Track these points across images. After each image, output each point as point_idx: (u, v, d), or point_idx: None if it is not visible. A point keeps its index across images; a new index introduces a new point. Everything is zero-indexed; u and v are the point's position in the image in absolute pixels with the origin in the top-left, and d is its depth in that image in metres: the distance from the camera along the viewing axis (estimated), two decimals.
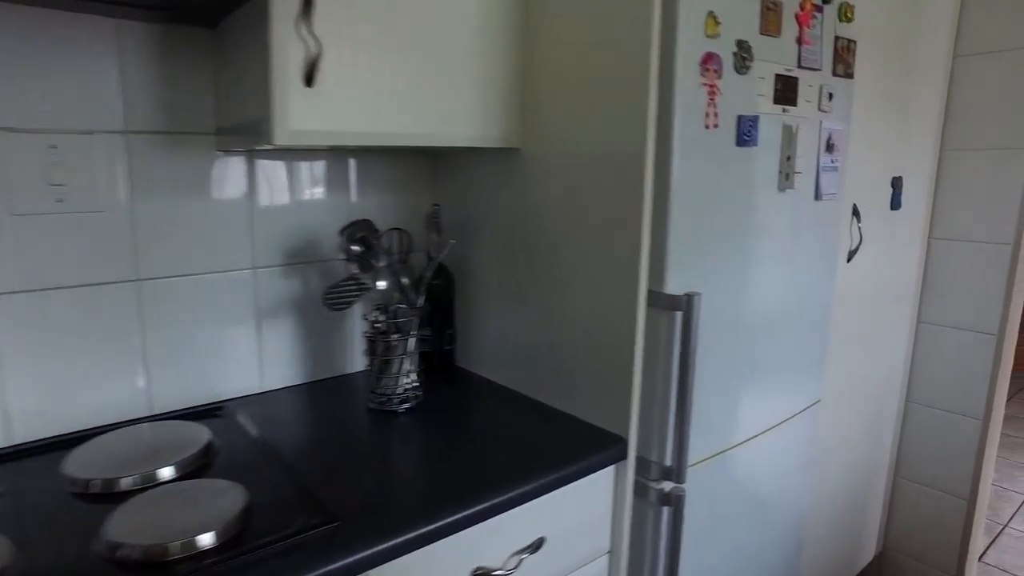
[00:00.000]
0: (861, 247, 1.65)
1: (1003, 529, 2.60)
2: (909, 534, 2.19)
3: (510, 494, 1.02)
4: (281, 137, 1.04)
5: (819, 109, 1.36)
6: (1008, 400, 3.92)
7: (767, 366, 1.38)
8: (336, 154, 1.46)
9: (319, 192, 1.46)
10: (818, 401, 1.62)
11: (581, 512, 1.17)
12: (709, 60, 1.12)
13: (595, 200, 1.20)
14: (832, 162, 1.42)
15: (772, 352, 1.38)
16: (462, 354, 1.58)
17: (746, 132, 1.19)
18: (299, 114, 1.04)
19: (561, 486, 1.10)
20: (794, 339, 1.44)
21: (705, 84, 1.12)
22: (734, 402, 1.33)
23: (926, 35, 1.82)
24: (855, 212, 1.59)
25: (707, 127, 1.13)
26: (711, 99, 1.13)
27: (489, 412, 1.32)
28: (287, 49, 1.01)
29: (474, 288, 1.53)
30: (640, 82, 1.08)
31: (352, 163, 1.49)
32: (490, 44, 1.25)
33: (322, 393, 1.43)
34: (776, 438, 1.46)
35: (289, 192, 1.41)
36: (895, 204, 1.77)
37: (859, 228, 1.60)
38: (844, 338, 1.71)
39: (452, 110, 1.22)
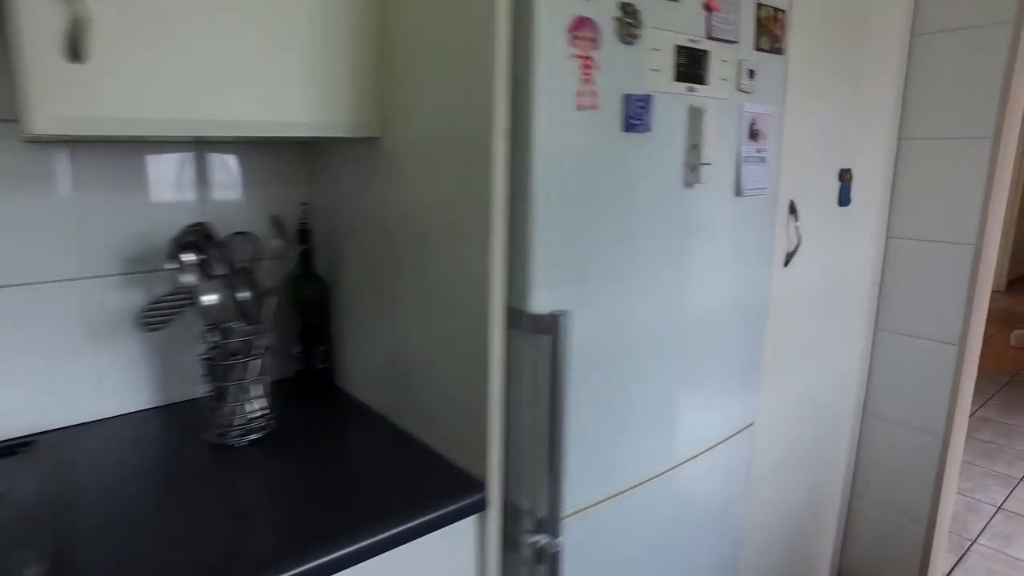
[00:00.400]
0: (801, 249, 1.43)
1: (971, 546, 2.40)
2: (866, 560, 1.99)
3: (340, 552, 0.81)
4: (39, 124, 0.82)
5: (738, 89, 1.14)
6: (985, 403, 3.72)
7: (677, 391, 1.16)
8: (188, 144, 1.25)
9: (167, 189, 1.25)
10: (751, 424, 1.41)
11: (438, 571, 0.96)
12: (581, 26, 0.90)
13: (448, 198, 0.98)
14: (758, 152, 1.21)
15: (684, 375, 1.17)
16: (341, 373, 1.37)
17: (635, 115, 0.97)
18: (64, 97, 0.83)
19: (409, 540, 0.89)
20: (715, 357, 1.23)
21: (577, 55, 0.90)
22: (633, 437, 1.11)
23: (879, 9, 1.60)
24: (792, 210, 1.37)
25: (581, 108, 0.91)
26: (586, 74, 0.91)
27: (347, 445, 1.11)
28: (37, 12, 0.79)
29: (348, 299, 1.31)
30: (486, 51, 0.86)
31: (209, 155, 1.28)
32: (331, 8, 1.03)
33: (166, 421, 1.21)
34: (694, 471, 1.25)
35: (128, 189, 1.20)
36: (844, 200, 1.56)
37: (796, 228, 1.38)
38: (788, 350, 1.50)
39: (279, 90, 0.99)
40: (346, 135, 1.09)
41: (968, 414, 1.80)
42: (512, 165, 0.90)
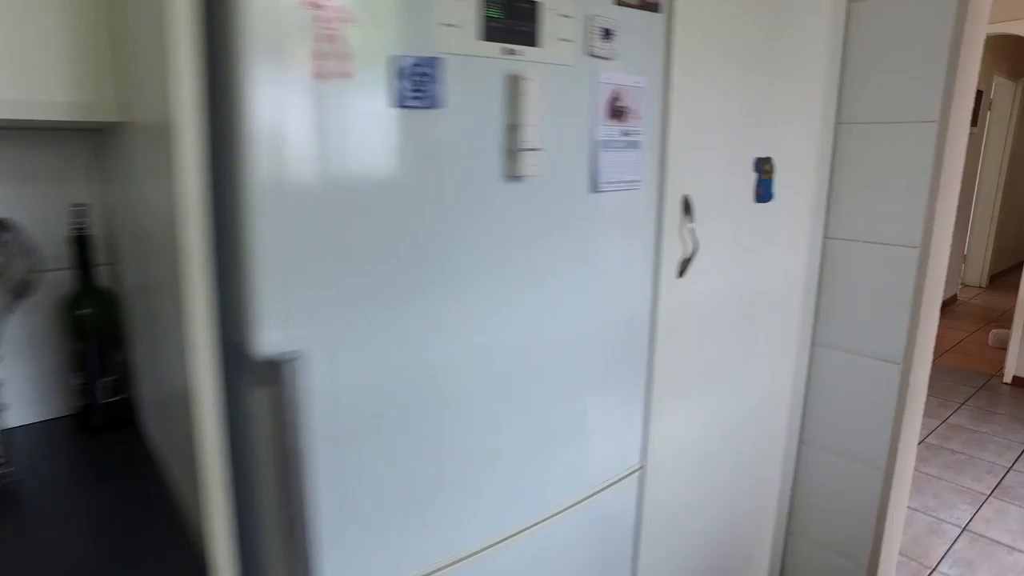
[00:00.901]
0: (703, 254, 1.16)
1: (930, 574, 2.15)
2: None
3: None
4: None
5: (590, 54, 0.87)
6: (958, 408, 3.46)
7: (519, 441, 0.89)
8: None
9: None
10: (638, 468, 1.15)
11: None
12: None
13: (157, 200, 0.72)
14: (625, 135, 0.94)
15: (528, 420, 0.90)
16: (139, 408, 1.11)
17: (414, 86, 0.71)
18: None
19: None
20: (573, 394, 0.96)
21: (311, 3, 0.64)
22: (450, 503, 0.84)
23: None
24: (687, 208, 1.10)
25: (322, 76, 0.65)
26: (328, 29, 0.65)
27: (87, 509, 0.85)
28: None
29: (131, 319, 1.05)
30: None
31: None
32: None
33: None
34: (552, 535, 0.99)
35: None
36: (764, 195, 1.29)
37: (691, 230, 1.11)
38: (694, 373, 1.23)
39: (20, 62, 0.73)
40: (71, 118, 0.82)
41: (916, 443, 1.54)
42: (217, 157, 0.64)
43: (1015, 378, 3.73)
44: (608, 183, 0.92)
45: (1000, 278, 6.45)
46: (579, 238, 0.92)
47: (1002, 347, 4.28)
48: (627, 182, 0.95)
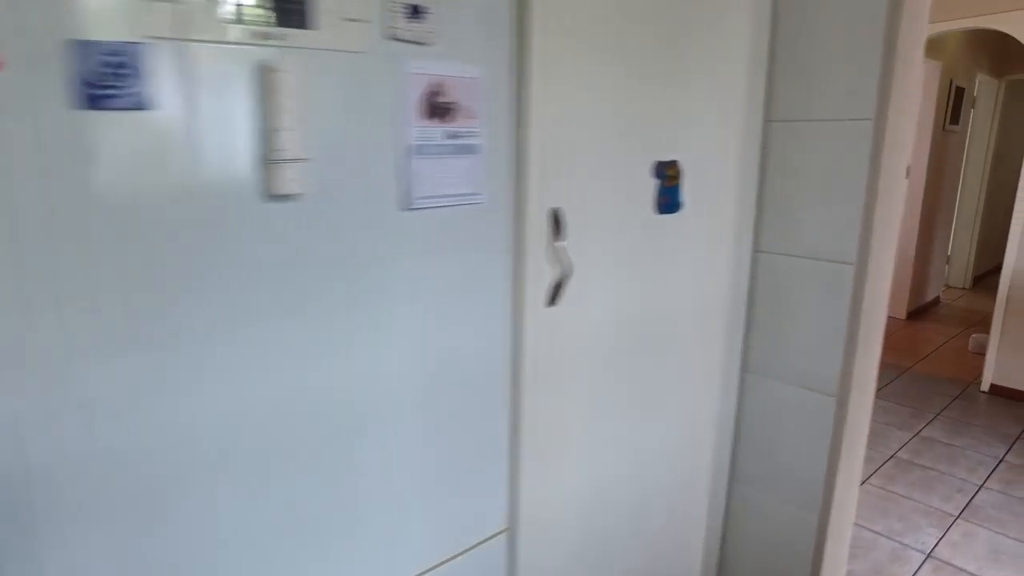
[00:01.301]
0: (584, 276, 0.97)
1: None
2: None
3: None
4: None
5: (393, 38, 0.68)
6: (931, 420, 3.27)
7: (314, 519, 0.71)
8: None
9: None
10: (504, 530, 0.96)
11: None
12: None
13: None
14: (454, 138, 0.75)
15: (329, 491, 0.70)
16: None
17: (99, 79, 0.52)
18: None
19: None
20: (398, 456, 0.77)
21: None
22: None
23: None
24: (556, 223, 0.91)
25: None
26: None
27: None
28: None
29: None
30: None
31: None
32: None
33: None
34: None
35: None
36: (669, 204, 1.09)
37: (562, 248, 0.92)
38: (581, 413, 1.05)
39: None
40: None
41: (858, 482, 1.35)
42: None
43: (993, 386, 3.54)
44: (428, 198, 0.73)
45: (985, 279, 6.25)
46: (387, 267, 0.72)
47: (981, 352, 4.09)
48: (460, 195, 0.76)
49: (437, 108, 0.71)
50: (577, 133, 0.91)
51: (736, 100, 1.21)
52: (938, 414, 3.31)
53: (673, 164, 1.07)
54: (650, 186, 1.05)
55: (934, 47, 4.32)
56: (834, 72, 1.17)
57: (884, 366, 3.99)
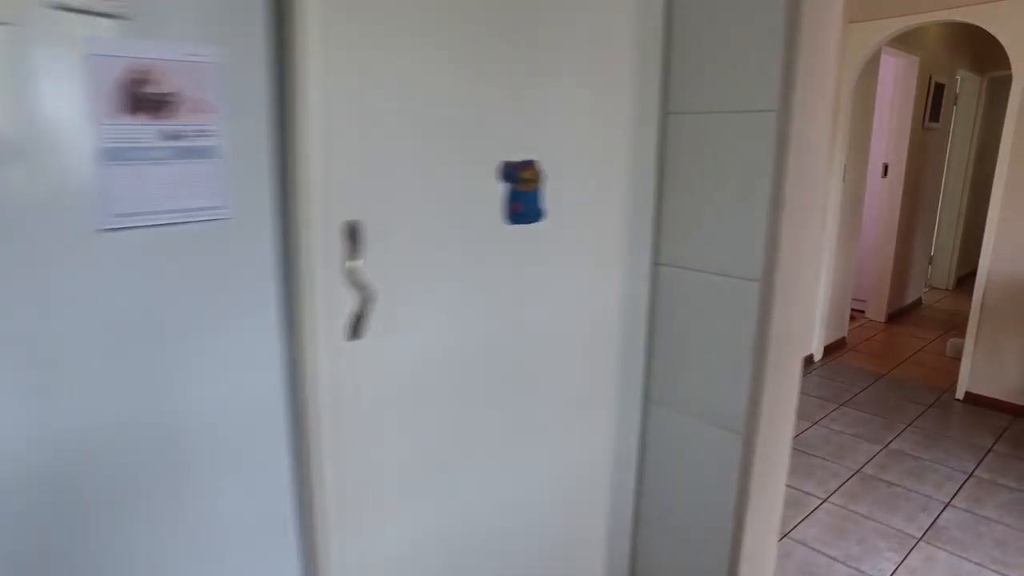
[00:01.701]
0: (405, 301, 0.79)
1: None
2: None
3: None
4: None
5: (59, 6, 0.50)
6: (903, 431, 3.09)
7: None
8: None
9: None
10: None
11: None
12: None
13: None
14: (176, 138, 0.56)
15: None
16: None
17: None
18: None
19: None
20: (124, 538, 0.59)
21: None
22: None
23: None
24: (353, 239, 0.72)
25: None
26: None
27: None
28: None
29: None
30: None
31: None
32: None
33: None
34: None
35: None
36: (525, 212, 0.91)
37: (354, 269, 0.73)
38: (418, 464, 0.87)
39: None
40: None
41: (774, 535, 1.17)
42: None
43: (968, 394, 3.36)
44: (134, 215, 0.55)
45: (968, 280, 6.06)
46: (73, 306, 0.54)
47: (959, 357, 3.90)
48: (190, 210, 0.58)
49: (144, 100, 0.54)
50: (384, 130, 0.73)
51: (622, 89, 1.02)
52: (909, 424, 3.12)
53: (529, 165, 0.89)
54: (496, 191, 0.87)
55: (911, 41, 4.13)
56: (734, 56, 0.99)
57: (860, 373, 3.81)
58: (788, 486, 2.52)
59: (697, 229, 1.06)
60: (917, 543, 2.23)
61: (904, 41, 4.01)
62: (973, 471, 2.66)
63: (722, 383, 1.06)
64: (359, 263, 0.72)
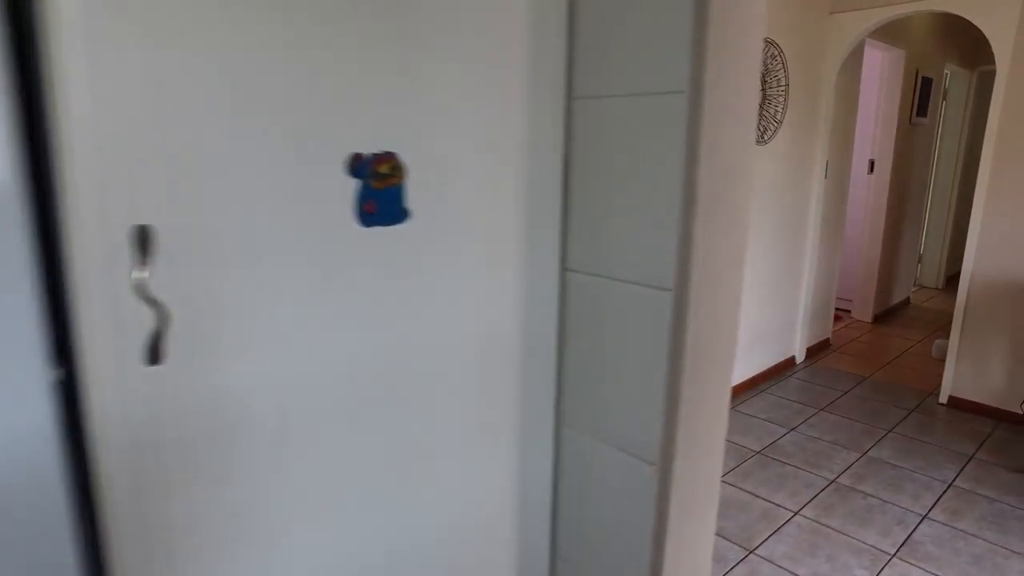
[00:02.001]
0: (223, 318, 0.65)
1: None
2: None
3: None
4: None
5: None
6: (882, 438, 2.94)
7: None
8: None
9: None
10: None
11: None
12: None
13: None
14: None
15: None
16: None
17: None
18: None
19: None
20: None
21: None
22: None
23: None
24: (143, 246, 0.58)
25: None
26: None
27: None
28: None
29: None
30: None
31: None
32: None
33: None
34: None
35: None
36: (385, 213, 0.76)
37: (141, 283, 0.59)
38: (258, 512, 0.73)
39: None
40: None
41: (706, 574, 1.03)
42: None
43: (951, 398, 3.21)
44: None
45: (958, 279, 5.92)
46: None
47: (944, 359, 3.76)
48: None
49: None
50: (189, 119, 0.59)
51: (515, 68, 0.88)
52: (890, 430, 2.98)
53: (388, 158, 0.75)
54: (346, 189, 0.73)
55: (896, 34, 3.98)
56: (640, 30, 0.84)
57: (842, 375, 3.66)
58: (759, 498, 2.38)
59: (607, 230, 0.92)
60: (890, 560, 2.09)
61: (889, 33, 3.86)
62: (953, 480, 2.52)
63: (636, 407, 0.92)
64: (145, 275, 0.58)
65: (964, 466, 2.63)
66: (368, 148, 0.74)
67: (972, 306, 3.04)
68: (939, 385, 3.36)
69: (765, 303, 3.37)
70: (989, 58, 5.03)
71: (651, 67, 0.83)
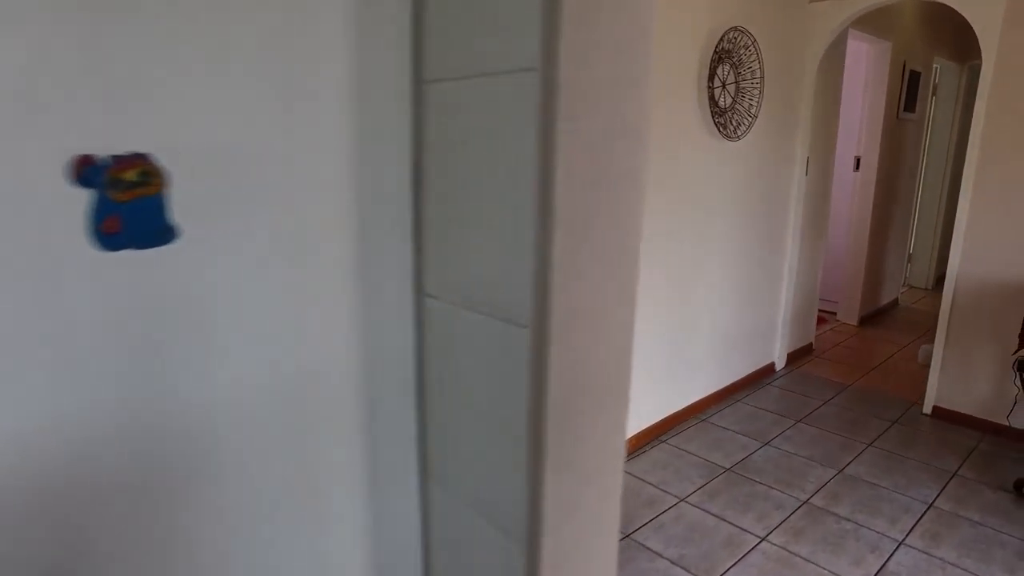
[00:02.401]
0: None
1: None
2: None
3: None
4: None
5: None
6: (861, 452, 2.75)
7: None
8: None
9: None
10: None
11: None
12: None
13: None
14: None
15: None
16: None
17: None
18: None
19: None
20: None
21: None
22: None
23: None
24: None
25: None
26: None
27: None
28: None
29: None
30: None
31: None
32: None
33: None
34: None
35: None
36: (136, 233, 0.58)
37: None
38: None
39: None
40: None
41: None
42: None
43: (935, 408, 3.01)
44: None
45: None
46: None
47: (930, 364, 3.56)
48: None
49: None
50: None
51: (335, 43, 0.69)
52: (870, 444, 2.78)
53: (136, 161, 0.55)
54: (73, 202, 0.54)
55: (882, 26, 3.77)
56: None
57: (823, 383, 3.46)
58: (725, 521, 2.19)
59: (462, 247, 0.73)
60: None
61: (874, 24, 3.65)
62: (933, 501, 2.33)
63: (497, 468, 0.73)
64: None
65: (946, 485, 2.44)
66: (104, 149, 0.55)
67: (958, 310, 2.84)
68: (924, 393, 3.16)
69: (741, 307, 3.17)
70: (980, 52, 4.82)
71: (501, 39, 0.64)
